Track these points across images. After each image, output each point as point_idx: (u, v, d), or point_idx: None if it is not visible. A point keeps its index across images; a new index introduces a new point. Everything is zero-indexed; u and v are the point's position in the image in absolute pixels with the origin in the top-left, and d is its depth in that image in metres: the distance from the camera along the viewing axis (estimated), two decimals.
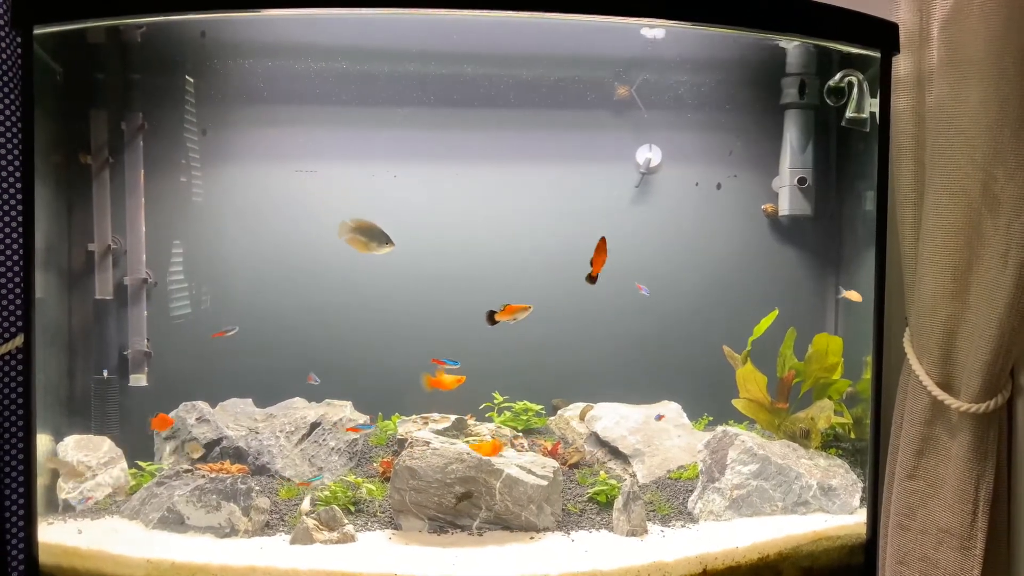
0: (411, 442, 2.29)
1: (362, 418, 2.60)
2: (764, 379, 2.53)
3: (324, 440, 2.48)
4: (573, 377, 2.71)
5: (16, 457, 2.22)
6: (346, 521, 2.15)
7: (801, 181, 2.66)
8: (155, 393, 2.56)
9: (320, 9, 2.09)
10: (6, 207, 2.23)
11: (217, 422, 2.49)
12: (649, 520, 2.25)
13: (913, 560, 2.18)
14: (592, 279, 2.19)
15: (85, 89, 2.47)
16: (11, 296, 2.23)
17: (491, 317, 2.24)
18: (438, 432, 2.40)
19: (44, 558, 2.06)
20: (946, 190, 2.09)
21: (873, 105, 2.31)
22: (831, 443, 2.53)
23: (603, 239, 2.16)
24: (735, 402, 2.56)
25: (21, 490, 2.19)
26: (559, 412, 2.75)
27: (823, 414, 2.45)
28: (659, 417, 2.60)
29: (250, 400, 2.62)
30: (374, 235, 2.17)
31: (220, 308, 2.61)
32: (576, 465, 2.53)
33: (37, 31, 2.03)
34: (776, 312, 2.53)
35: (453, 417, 2.50)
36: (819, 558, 2.21)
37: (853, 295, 2.45)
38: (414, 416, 2.56)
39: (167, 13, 2.10)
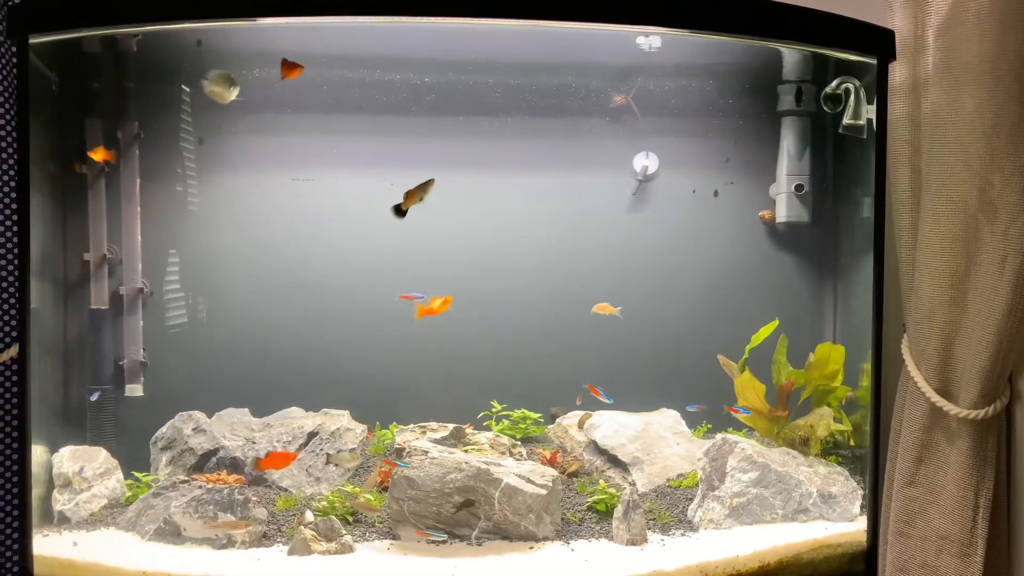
0: (409, 451, 2.28)
1: (359, 427, 2.58)
2: (763, 387, 2.52)
3: (322, 450, 2.47)
4: (571, 385, 2.69)
5: (11, 468, 2.21)
6: (344, 532, 2.13)
7: (798, 188, 2.67)
8: (151, 403, 2.55)
9: (316, 18, 2.08)
10: (1, 216, 2.22)
11: (214, 432, 2.47)
12: (649, 529, 2.24)
13: (913, 567, 2.17)
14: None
15: (81, 98, 2.46)
16: (6, 306, 2.22)
17: (398, 209, 2.19)
18: (436, 441, 2.38)
19: (39, 570, 2.04)
20: (943, 196, 2.10)
21: (870, 112, 2.32)
22: (830, 450, 2.52)
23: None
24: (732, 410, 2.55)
25: (16, 502, 2.17)
26: (557, 420, 2.74)
27: (822, 421, 2.44)
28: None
29: (247, 410, 2.60)
30: (220, 82, 2.14)
31: (216, 317, 2.60)
32: (575, 474, 2.52)
33: (33, 40, 2.02)
34: (776, 322, 2.52)
35: (451, 426, 2.49)
36: (820, 566, 2.20)
37: (604, 309, 2.45)
38: (412, 425, 2.54)
39: (163, 22, 2.08)
